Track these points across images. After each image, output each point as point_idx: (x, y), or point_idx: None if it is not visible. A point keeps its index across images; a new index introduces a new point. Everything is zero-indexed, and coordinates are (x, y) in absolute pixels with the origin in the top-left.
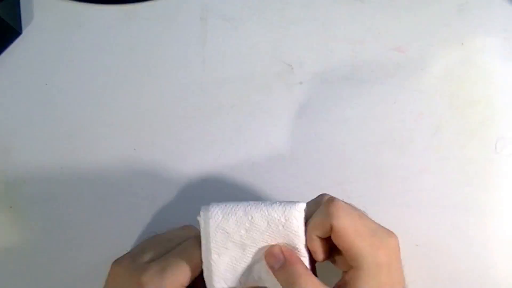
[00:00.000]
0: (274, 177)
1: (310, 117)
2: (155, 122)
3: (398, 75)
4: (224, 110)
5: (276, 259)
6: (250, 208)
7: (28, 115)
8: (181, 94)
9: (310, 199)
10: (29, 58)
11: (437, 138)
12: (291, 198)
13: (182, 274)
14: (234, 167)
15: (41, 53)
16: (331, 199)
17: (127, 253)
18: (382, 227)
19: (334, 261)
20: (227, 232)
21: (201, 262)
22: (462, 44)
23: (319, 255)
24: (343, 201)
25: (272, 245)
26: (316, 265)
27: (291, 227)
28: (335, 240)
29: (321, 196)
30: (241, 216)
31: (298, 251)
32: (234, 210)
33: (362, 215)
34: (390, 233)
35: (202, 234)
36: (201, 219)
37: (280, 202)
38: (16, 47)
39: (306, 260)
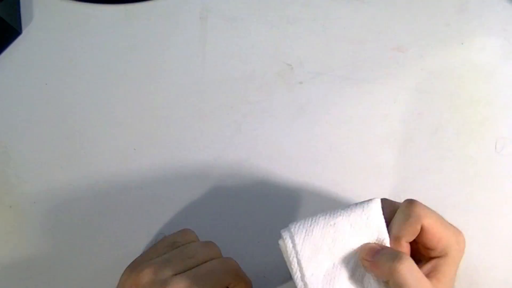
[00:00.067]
0: (274, 177)
1: (310, 117)
2: (155, 122)
3: (398, 75)
4: (224, 110)
5: (373, 251)
6: (329, 216)
7: (28, 115)
8: (181, 94)
9: (310, 200)
10: (29, 58)
11: (437, 138)
12: (291, 198)
13: None
14: (234, 167)
15: (41, 53)
16: (411, 201)
17: (145, 261)
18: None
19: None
20: (314, 245)
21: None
22: (462, 44)
23: None
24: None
25: (363, 244)
26: None
27: (373, 224)
28: (424, 237)
29: (386, 201)
30: (323, 226)
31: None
32: (315, 221)
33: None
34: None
35: (288, 256)
36: (285, 240)
37: (355, 204)
38: (16, 47)
39: None
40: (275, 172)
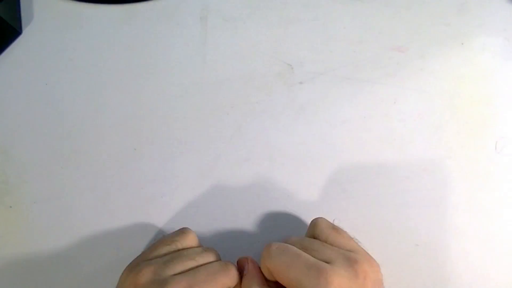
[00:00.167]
0: (274, 177)
1: (310, 117)
2: (155, 122)
3: (398, 75)
4: (224, 110)
5: (243, 267)
6: None
7: (28, 115)
8: (181, 94)
9: (309, 199)
10: (29, 58)
11: (437, 138)
12: (291, 198)
13: None
14: (234, 167)
15: (41, 53)
16: (268, 245)
17: (144, 261)
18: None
19: None
20: None
21: None
22: (462, 44)
23: None
24: (277, 243)
25: (244, 256)
26: None
27: None
28: (277, 279)
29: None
30: None
31: None
32: None
33: (298, 254)
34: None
35: None
36: None
37: None
38: (16, 47)
39: None
40: (275, 172)
